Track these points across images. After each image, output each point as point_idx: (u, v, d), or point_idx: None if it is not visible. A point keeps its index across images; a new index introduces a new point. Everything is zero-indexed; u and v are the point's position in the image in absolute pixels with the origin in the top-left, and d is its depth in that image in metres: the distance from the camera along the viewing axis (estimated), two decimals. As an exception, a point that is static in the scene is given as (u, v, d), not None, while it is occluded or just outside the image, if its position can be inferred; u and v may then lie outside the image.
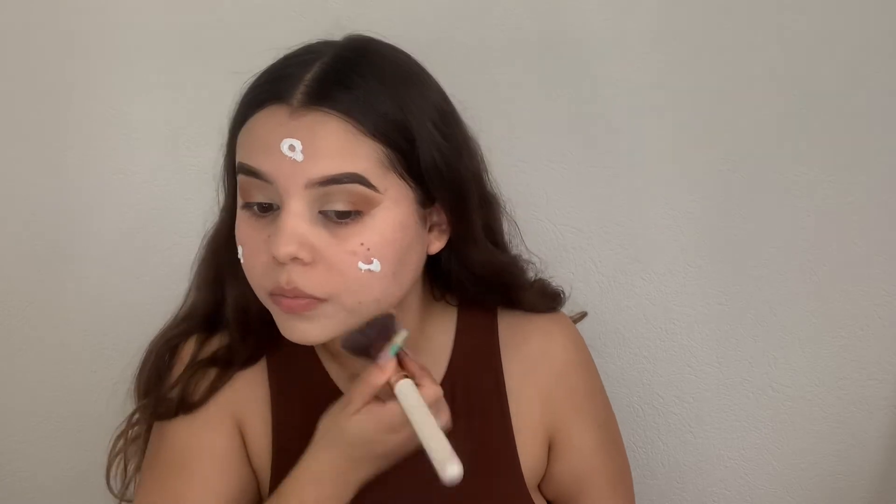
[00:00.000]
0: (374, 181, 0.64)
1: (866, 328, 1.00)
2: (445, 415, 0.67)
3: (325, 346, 0.77)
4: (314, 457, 0.67)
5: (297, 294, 0.64)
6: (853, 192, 0.97)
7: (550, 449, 0.79)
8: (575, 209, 1.00)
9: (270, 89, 0.66)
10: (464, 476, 0.72)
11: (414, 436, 0.62)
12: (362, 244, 0.64)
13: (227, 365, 0.76)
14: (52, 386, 1.04)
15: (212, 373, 0.76)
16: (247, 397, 0.77)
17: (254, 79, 0.69)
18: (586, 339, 0.84)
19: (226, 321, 0.77)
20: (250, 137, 0.66)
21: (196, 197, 0.95)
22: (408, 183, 0.67)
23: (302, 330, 0.67)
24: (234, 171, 0.69)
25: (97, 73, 0.97)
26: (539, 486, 0.80)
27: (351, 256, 0.64)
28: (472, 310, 0.80)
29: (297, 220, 0.64)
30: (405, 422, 0.63)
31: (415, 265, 0.70)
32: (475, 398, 0.76)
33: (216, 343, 0.78)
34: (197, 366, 0.76)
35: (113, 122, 0.98)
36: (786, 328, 1.01)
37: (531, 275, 0.83)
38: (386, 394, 0.66)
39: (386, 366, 0.65)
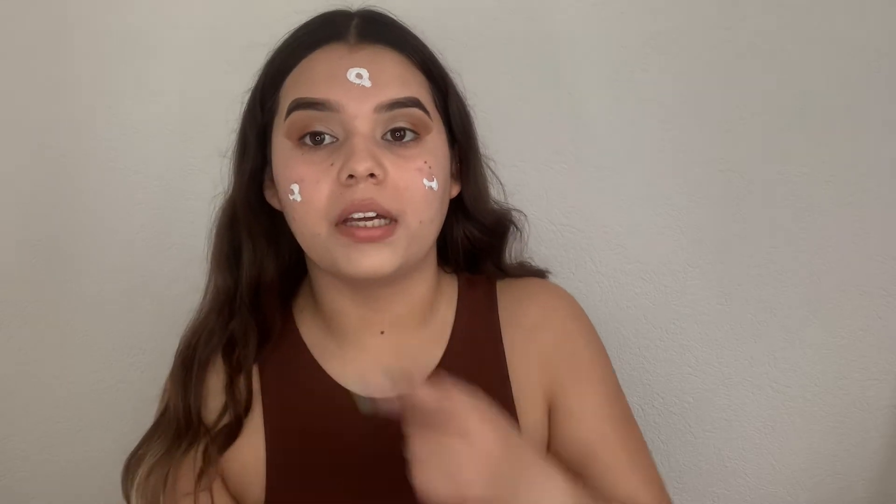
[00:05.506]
0: (427, 108, 0.72)
1: (866, 328, 1.00)
2: None
3: (310, 317, 0.79)
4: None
5: (373, 207, 0.67)
6: (853, 192, 0.98)
7: (551, 415, 0.78)
8: (575, 209, 1.00)
9: (321, 33, 0.72)
10: None
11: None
12: (425, 162, 0.70)
13: (245, 360, 0.77)
14: (52, 386, 1.04)
15: (241, 379, 0.77)
16: None
17: (285, 38, 0.74)
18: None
19: (239, 298, 0.77)
20: (309, 73, 0.71)
21: (199, 197, 0.95)
22: (443, 122, 0.74)
23: (372, 262, 0.68)
24: (263, 129, 0.73)
25: (99, 69, 0.97)
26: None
27: (417, 173, 0.69)
28: (472, 282, 0.82)
29: (369, 142, 0.68)
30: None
31: (446, 203, 0.75)
32: (475, 368, 0.76)
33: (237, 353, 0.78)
34: (232, 382, 0.76)
35: (116, 121, 0.98)
36: (786, 328, 1.01)
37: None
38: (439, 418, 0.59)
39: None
